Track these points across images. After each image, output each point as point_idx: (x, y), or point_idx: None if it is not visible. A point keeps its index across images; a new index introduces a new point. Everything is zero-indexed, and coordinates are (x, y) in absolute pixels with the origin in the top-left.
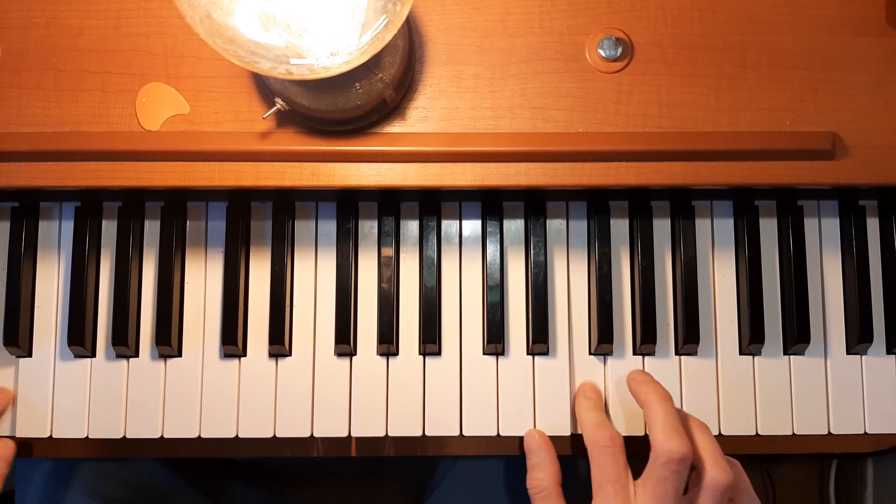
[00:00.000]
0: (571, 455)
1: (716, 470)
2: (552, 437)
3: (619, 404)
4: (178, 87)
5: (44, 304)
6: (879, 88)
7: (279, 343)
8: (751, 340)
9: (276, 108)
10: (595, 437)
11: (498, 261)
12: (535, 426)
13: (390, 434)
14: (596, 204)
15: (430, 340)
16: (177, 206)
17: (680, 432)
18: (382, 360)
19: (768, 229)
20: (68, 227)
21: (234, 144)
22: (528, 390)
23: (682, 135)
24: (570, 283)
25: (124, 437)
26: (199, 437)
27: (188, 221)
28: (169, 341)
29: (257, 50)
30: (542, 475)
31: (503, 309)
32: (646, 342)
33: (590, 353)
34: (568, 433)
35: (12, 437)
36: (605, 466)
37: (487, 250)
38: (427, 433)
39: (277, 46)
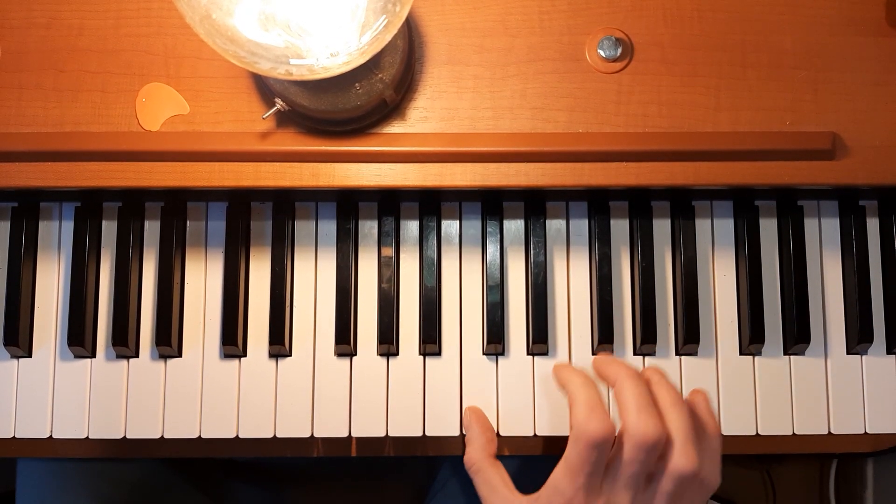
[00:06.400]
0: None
1: (682, 458)
2: (554, 438)
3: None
4: (178, 88)
5: (44, 304)
6: (879, 88)
7: (279, 343)
8: (751, 340)
9: (276, 108)
10: (588, 426)
11: (498, 261)
12: (535, 426)
13: (390, 434)
14: (596, 204)
15: (431, 340)
16: (177, 206)
17: (654, 412)
18: (382, 360)
19: (768, 229)
20: (68, 227)
21: (233, 145)
22: (528, 390)
23: (682, 135)
24: (570, 283)
25: (124, 437)
26: (200, 437)
27: (188, 221)
28: (169, 341)
29: (257, 50)
30: (470, 449)
31: (503, 309)
32: (646, 342)
33: (590, 353)
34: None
35: (12, 438)
36: (585, 460)
37: (487, 250)
38: (427, 433)
39: (277, 47)
